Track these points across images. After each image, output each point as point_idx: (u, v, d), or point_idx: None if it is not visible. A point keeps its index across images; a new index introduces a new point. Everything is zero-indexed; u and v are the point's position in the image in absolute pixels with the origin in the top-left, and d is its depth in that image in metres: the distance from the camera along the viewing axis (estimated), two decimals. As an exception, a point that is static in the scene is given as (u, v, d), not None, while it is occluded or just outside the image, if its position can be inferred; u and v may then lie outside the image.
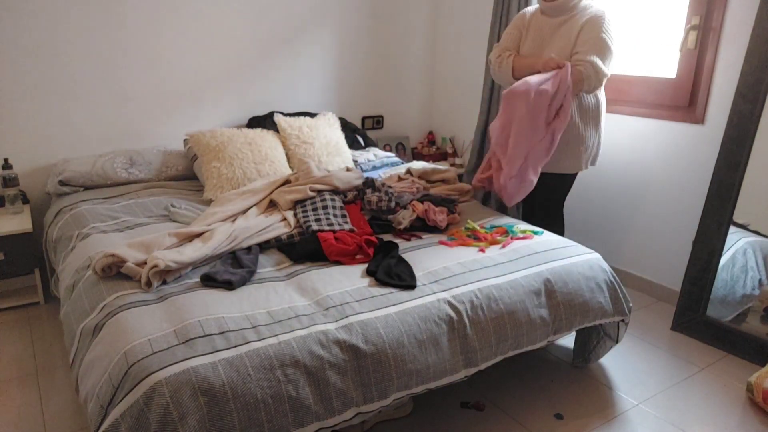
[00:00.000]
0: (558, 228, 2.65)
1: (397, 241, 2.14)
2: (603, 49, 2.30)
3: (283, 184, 2.50)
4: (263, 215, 2.27)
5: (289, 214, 2.25)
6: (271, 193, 2.43)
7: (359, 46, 3.71)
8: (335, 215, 2.22)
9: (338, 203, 2.31)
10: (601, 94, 2.48)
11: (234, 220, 2.22)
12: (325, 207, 2.25)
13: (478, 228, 2.26)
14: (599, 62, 2.29)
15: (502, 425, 1.93)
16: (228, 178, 2.65)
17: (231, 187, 2.63)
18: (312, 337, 1.52)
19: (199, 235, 2.04)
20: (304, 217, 2.20)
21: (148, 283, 1.72)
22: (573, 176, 2.58)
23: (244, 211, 2.30)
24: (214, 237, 1.96)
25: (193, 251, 1.86)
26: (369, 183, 2.51)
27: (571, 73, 2.28)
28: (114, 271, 1.80)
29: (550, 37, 2.46)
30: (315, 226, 2.10)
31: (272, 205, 2.42)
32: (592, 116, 2.44)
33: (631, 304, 2.14)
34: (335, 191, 2.44)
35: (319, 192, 2.40)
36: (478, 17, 3.62)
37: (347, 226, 2.15)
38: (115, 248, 1.84)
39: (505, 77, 2.54)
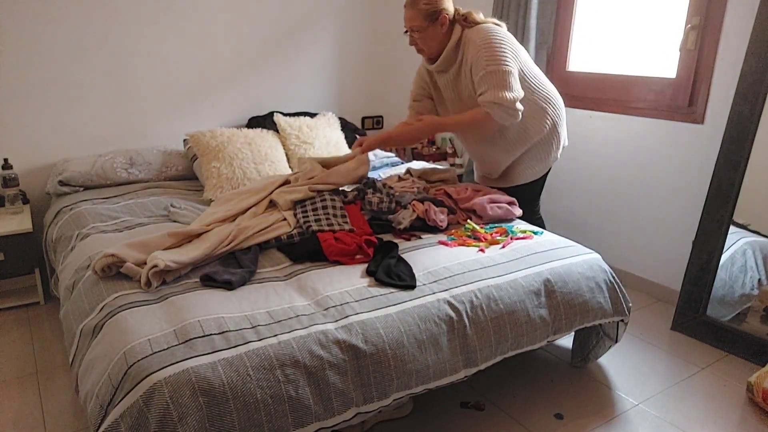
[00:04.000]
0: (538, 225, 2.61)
1: (397, 241, 2.14)
2: (496, 79, 2.12)
3: (282, 184, 2.50)
4: (263, 215, 2.27)
5: (289, 214, 2.25)
6: (271, 193, 2.43)
7: (359, 46, 3.71)
8: (335, 215, 2.22)
9: (338, 204, 2.31)
10: (551, 88, 2.38)
11: (233, 219, 2.22)
12: (325, 207, 2.25)
13: (478, 228, 2.26)
14: (500, 94, 2.11)
15: (502, 425, 1.93)
16: (228, 178, 2.65)
17: (231, 187, 2.63)
18: (312, 337, 1.52)
19: (198, 235, 2.04)
20: (304, 217, 2.20)
21: (148, 283, 1.72)
22: (540, 179, 2.53)
23: (244, 211, 2.30)
24: (214, 237, 1.96)
25: (193, 251, 1.86)
26: (370, 183, 2.51)
27: (482, 119, 2.17)
28: (114, 271, 1.80)
29: (455, 95, 2.35)
30: (315, 226, 2.10)
31: (272, 205, 2.41)
32: (544, 138, 2.38)
33: (630, 304, 2.14)
34: (335, 190, 2.43)
35: (319, 192, 2.40)
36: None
37: (347, 227, 2.15)
38: (115, 248, 1.84)
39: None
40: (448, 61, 2.30)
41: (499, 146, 2.40)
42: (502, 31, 2.23)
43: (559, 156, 2.50)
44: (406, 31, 2.33)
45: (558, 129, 2.42)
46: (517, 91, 2.16)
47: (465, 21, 2.26)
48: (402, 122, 2.39)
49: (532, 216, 2.60)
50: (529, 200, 2.55)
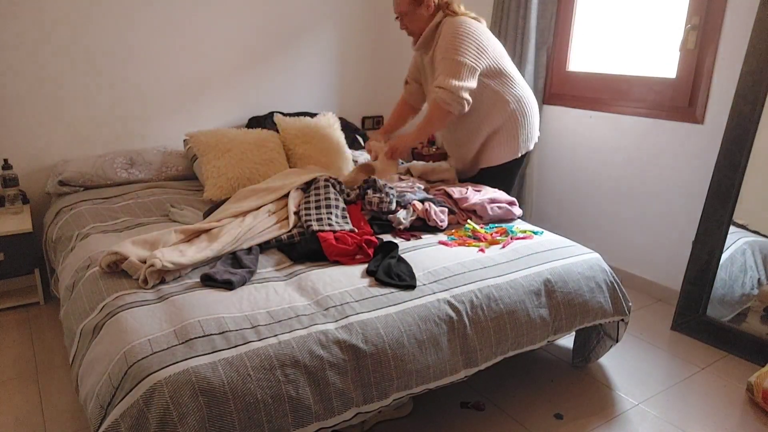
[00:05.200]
0: None
1: (397, 241, 2.14)
2: (449, 66, 2.28)
3: (301, 186, 2.47)
4: (265, 215, 2.25)
5: (291, 214, 2.24)
6: (287, 194, 2.41)
7: (359, 46, 3.71)
8: (336, 215, 2.22)
9: (341, 204, 2.31)
10: (524, 89, 2.54)
11: (245, 215, 2.20)
12: (328, 207, 2.25)
13: (478, 228, 2.26)
14: (448, 81, 2.27)
15: (502, 425, 1.93)
16: (228, 178, 2.65)
17: (231, 187, 2.62)
18: (312, 337, 1.52)
19: (206, 231, 2.04)
20: (306, 215, 2.20)
21: (145, 281, 1.72)
22: (508, 166, 2.62)
23: (257, 208, 2.27)
24: (220, 239, 1.96)
25: (195, 252, 1.86)
26: (370, 183, 2.51)
27: (434, 112, 2.34)
28: (119, 268, 1.81)
29: (431, 77, 2.51)
30: (315, 226, 2.10)
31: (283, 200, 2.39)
32: (511, 114, 2.50)
33: (630, 304, 2.14)
34: (334, 184, 2.42)
35: (316, 187, 2.38)
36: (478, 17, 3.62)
37: (347, 227, 2.15)
38: (119, 245, 1.84)
39: None
40: (426, 42, 2.46)
41: (464, 131, 2.59)
42: (475, 24, 2.36)
43: (529, 146, 2.63)
44: (397, 17, 2.48)
45: (524, 120, 2.54)
46: (466, 81, 2.28)
47: (447, 8, 2.41)
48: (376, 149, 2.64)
49: None
50: (502, 186, 2.65)
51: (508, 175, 2.67)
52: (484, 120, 2.52)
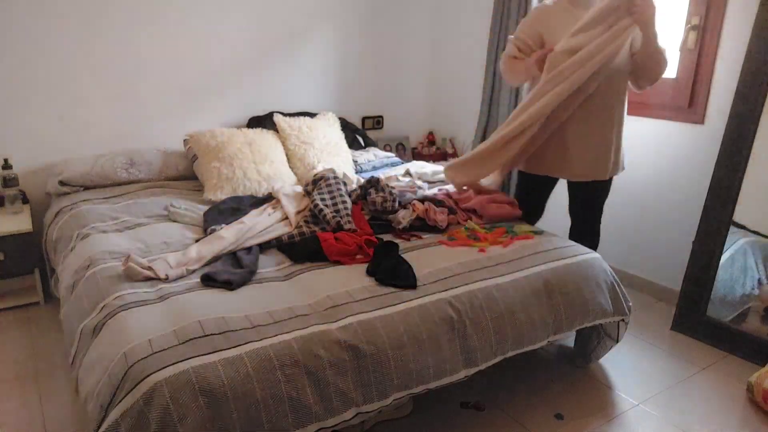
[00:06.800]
0: (594, 240, 2.51)
1: (397, 241, 2.14)
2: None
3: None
4: (265, 214, 2.26)
5: (291, 214, 2.25)
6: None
7: (359, 46, 3.71)
8: (348, 211, 2.26)
9: (349, 203, 2.32)
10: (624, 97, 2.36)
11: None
12: (344, 202, 2.28)
13: (478, 228, 2.26)
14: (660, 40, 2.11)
15: (502, 425, 1.93)
16: (228, 178, 2.65)
17: (231, 187, 2.62)
18: (312, 337, 1.52)
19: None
20: (327, 211, 2.20)
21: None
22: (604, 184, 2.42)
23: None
24: (224, 239, 1.98)
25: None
26: (373, 183, 2.51)
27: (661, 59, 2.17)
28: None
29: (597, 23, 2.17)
30: (328, 214, 2.15)
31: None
32: (617, 120, 2.30)
33: (630, 304, 2.14)
34: (342, 183, 2.46)
35: (327, 183, 2.41)
36: (478, 17, 3.62)
37: (349, 226, 2.16)
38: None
39: (508, 76, 2.37)
40: None
41: (615, 119, 2.30)
42: None
43: (612, 165, 2.38)
44: None
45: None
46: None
47: None
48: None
49: (596, 226, 2.52)
50: (602, 205, 2.48)
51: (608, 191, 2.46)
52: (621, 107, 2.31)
